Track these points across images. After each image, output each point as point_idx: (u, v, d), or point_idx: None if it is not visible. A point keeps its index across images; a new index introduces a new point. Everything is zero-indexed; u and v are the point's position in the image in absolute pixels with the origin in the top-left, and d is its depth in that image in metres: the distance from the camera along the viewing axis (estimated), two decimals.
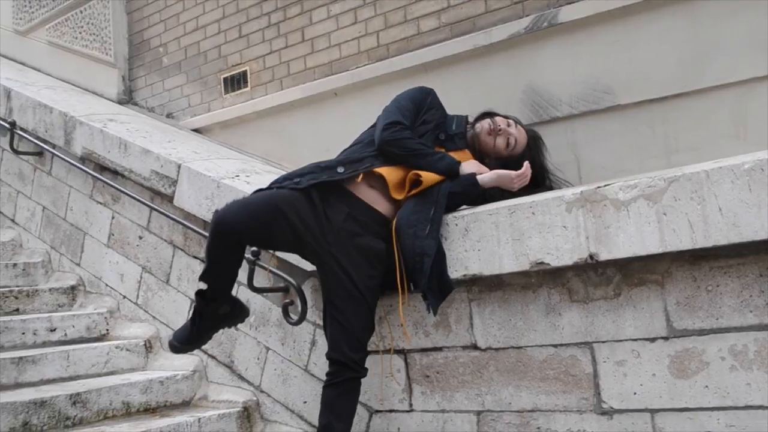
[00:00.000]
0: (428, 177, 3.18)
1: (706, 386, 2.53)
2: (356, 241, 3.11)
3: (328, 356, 3.10)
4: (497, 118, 3.53)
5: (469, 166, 3.29)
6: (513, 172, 3.22)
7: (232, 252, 3.15)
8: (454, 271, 3.06)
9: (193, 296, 4.18)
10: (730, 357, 2.49)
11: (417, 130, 3.36)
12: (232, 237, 3.09)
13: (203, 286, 3.22)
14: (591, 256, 2.70)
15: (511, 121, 3.54)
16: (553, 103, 3.97)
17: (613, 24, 3.80)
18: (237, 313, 3.39)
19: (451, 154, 3.36)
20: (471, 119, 3.61)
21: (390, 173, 3.22)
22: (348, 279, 3.07)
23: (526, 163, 3.27)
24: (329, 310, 3.12)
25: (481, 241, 2.98)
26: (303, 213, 3.10)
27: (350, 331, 3.06)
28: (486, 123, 3.50)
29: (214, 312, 3.28)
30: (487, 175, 3.23)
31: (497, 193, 3.24)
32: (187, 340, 3.33)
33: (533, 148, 3.56)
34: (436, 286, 3.06)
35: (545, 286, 2.92)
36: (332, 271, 3.10)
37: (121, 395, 3.80)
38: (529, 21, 4.04)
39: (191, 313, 3.33)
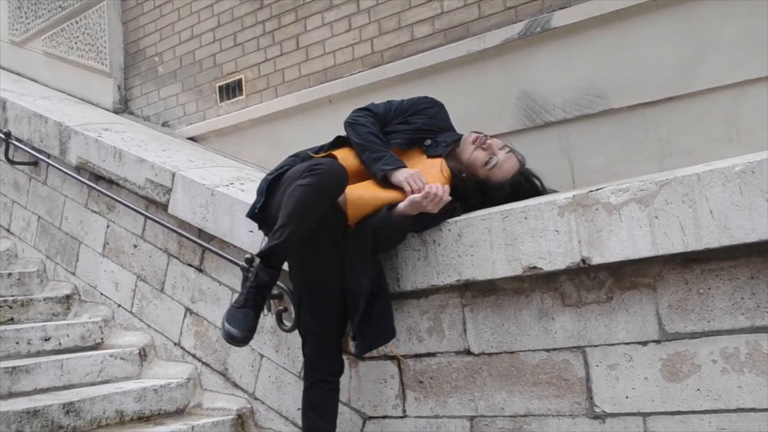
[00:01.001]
0: (366, 192, 3.06)
1: (698, 389, 2.52)
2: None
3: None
4: (493, 139, 3.31)
5: (402, 174, 3.03)
6: (418, 195, 2.92)
7: (324, 211, 2.95)
8: (447, 277, 3.05)
9: (188, 304, 4.19)
10: (721, 360, 2.48)
11: (391, 126, 3.31)
12: (335, 193, 2.95)
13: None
14: (583, 260, 2.69)
15: (506, 147, 3.28)
16: (547, 108, 3.97)
17: (606, 28, 3.80)
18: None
19: (419, 161, 3.20)
20: None
21: (346, 157, 3.16)
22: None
23: (437, 186, 2.93)
24: None
25: (474, 246, 2.97)
26: None
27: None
28: (476, 134, 3.29)
29: (271, 286, 3.07)
30: (400, 205, 2.96)
31: (477, 204, 3.16)
32: (251, 324, 2.98)
33: (514, 186, 3.21)
34: (369, 330, 3.04)
35: (538, 290, 2.91)
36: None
37: (115, 404, 3.78)
38: (522, 26, 4.04)
39: (246, 295, 3.01)
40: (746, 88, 3.43)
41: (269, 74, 5.43)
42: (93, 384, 4.14)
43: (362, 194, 3.04)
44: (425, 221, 3.05)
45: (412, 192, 2.97)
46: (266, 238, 3.38)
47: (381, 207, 3.01)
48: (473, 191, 3.19)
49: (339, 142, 3.32)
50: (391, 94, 4.61)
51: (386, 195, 3.03)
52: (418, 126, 3.34)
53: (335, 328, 3.16)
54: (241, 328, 2.94)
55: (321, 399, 3.14)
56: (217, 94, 5.82)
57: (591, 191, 2.71)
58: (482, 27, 4.26)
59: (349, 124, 3.27)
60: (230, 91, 5.71)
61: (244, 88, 5.61)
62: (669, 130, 3.60)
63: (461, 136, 3.36)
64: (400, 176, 3.04)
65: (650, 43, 3.69)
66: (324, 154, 3.22)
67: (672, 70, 3.63)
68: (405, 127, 3.31)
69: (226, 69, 5.74)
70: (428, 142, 3.31)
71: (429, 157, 3.24)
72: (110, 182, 4.83)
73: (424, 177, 3.05)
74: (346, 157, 3.17)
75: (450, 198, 2.99)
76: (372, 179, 3.13)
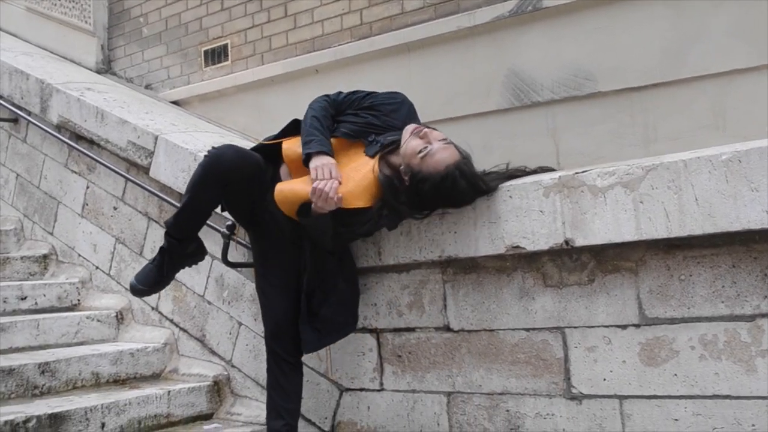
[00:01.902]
0: (288, 186, 3.00)
1: (675, 374, 2.55)
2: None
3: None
4: (433, 130, 2.97)
5: (317, 161, 2.89)
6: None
7: (217, 191, 3.07)
8: (429, 252, 3.06)
9: None
10: (699, 346, 2.51)
11: (344, 115, 3.13)
12: (223, 176, 3.01)
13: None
14: (567, 242, 2.71)
15: (447, 140, 2.93)
16: (535, 88, 3.97)
17: (597, 10, 3.81)
18: (200, 251, 3.35)
19: (356, 157, 3.02)
20: None
21: (292, 145, 3.12)
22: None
23: (325, 181, 2.80)
24: None
25: (457, 223, 2.97)
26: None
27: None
28: (415, 125, 2.99)
29: (182, 251, 3.24)
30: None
31: (411, 207, 2.98)
32: (154, 282, 3.25)
33: (445, 178, 2.84)
34: (308, 330, 3.12)
35: (520, 270, 2.92)
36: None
37: (91, 366, 3.77)
38: (514, 4, 4.03)
39: (157, 254, 3.26)
40: (734, 77, 3.46)
41: (256, 41, 5.38)
42: (69, 345, 4.12)
43: (283, 188, 2.98)
44: (348, 228, 2.98)
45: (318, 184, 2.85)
46: None
47: (303, 201, 2.90)
48: (408, 190, 2.91)
49: (296, 126, 3.21)
50: (379, 67, 4.61)
51: (305, 189, 2.88)
52: (367, 120, 3.09)
53: (286, 312, 3.16)
54: (139, 280, 3.24)
55: (281, 377, 3.18)
56: (202, 58, 5.76)
57: (577, 173, 2.71)
58: (473, 3, 4.24)
59: (309, 105, 3.18)
60: (215, 56, 5.65)
61: (229, 53, 5.55)
62: (655, 115, 3.62)
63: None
64: (313, 163, 2.89)
65: (640, 28, 3.69)
66: (273, 141, 3.20)
67: (660, 56, 3.63)
68: (355, 119, 3.10)
69: (212, 33, 5.68)
70: (371, 137, 3.06)
71: (366, 154, 3.02)
72: (91, 143, 4.78)
73: (354, 175, 2.93)
74: (292, 144, 3.10)
75: (340, 196, 2.82)
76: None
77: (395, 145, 2.97)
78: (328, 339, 3.21)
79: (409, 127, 2.96)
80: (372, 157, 2.98)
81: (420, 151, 2.85)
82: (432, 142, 2.87)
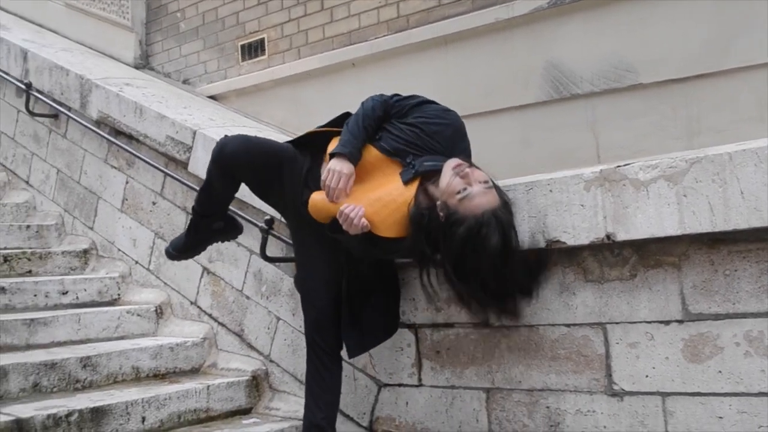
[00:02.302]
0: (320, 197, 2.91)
1: (720, 371, 2.50)
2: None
3: None
4: (476, 169, 2.76)
5: (333, 164, 2.83)
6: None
7: (226, 181, 3.16)
8: None
9: (205, 264, 4.20)
10: (745, 343, 2.46)
11: (390, 122, 2.96)
12: (227, 167, 3.08)
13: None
14: (608, 236, 2.66)
15: (489, 183, 2.74)
16: (574, 80, 3.93)
17: (637, 1, 3.74)
18: (230, 229, 3.46)
19: (392, 179, 2.86)
20: None
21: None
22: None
23: (351, 207, 2.75)
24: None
25: None
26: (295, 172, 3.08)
27: None
28: (459, 161, 2.75)
29: (207, 226, 3.35)
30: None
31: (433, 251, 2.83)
32: (182, 248, 3.43)
33: (481, 226, 2.64)
34: (350, 335, 3.11)
35: (560, 265, 2.88)
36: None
37: (131, 360, 3.80)
38: None
39: (188, 223, 3.45)
40: None
41: (292, 35, 5.38)
42: (109, 339, 4.16)
43: (316, 199, 2.92)
44: (380, 250, 2.90)
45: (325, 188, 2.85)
46: None
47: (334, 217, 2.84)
48: (440, 229, 2.72)
49: (345, 118, 3.11)
50: (415, 60, 4.59)
51: (336, 205, 2.82)
52: (408, 139, 2.88)
53: (327, 303, 3.14)
54: (171, 244, 3.49)
55: (321, 370, 3.16)
56: (239, 53, 5.78)
57: (619, 166, 2.67)
58: None
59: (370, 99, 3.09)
60: (252, 50, 5.67)
61: (266, 47, 5.56)
62: (698, 107, 3.55)
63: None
64: (331, 164, 2.85)
65: (682, 19, 3.63)
66: (316, 131, 3.17)
67: (703, 47, 3.57)
68: (398, 133, 2.90)
69: (249, 28, 5.70)
70: (409, 158, 2.85)
71: (402, 179, 2.84)
72: (130, 138, 4.82)
73: (389, 202, 2.81)
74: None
75: (367, 225, 2.75)
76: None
77: (434, 175, 2.79)
78: (371, 343, 3.20)
79: (451, 163, 2.74)
80: (406, 183, 2.81)
81: (459, 192, 2.67)
82: (473, 183, 2.68)
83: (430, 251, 2.79)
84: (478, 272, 2.71)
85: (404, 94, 3.03)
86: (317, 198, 2.92)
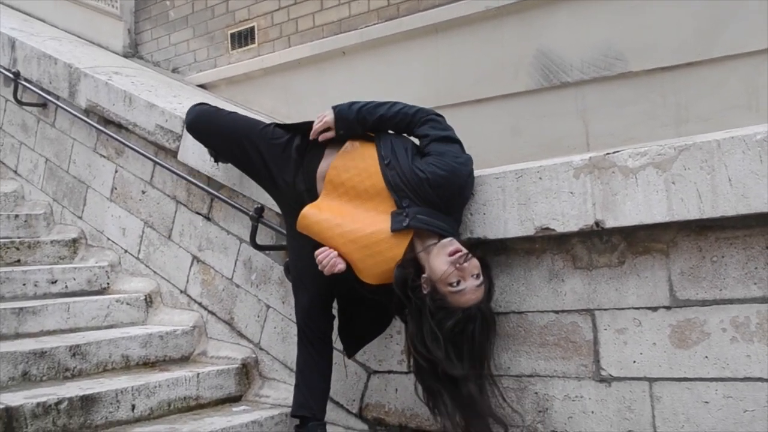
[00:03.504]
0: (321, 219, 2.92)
1: (706, 357, 2.52)
2: None
3: None
4: (473, 261, 2.68)
5: (330, 118, 2.98)
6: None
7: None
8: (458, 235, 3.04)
9: (195, 253, 4.20)
10: (731, 328, 2.48)
11: (406, 152, 2.88)
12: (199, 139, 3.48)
13: None
14: (597, 223, 2.67)
15: (480, 278, 2.69)
16: (564, 68, 3.93)
17: None
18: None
19: (383, 215, 2.81)
20: None
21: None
22: None
23: (328, 253, 2.80)
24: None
25: (486, 204, 2.95)
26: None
27: None
28: (457, 249, 2.66)
29: None
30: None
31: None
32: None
33: (468, 319, 2.64)
34: (350, 330, 3.16)
35: (549, 252, 2.89)
36: None
37: (121, 348, 3.80)
38: None
39: None
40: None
41: (282, 23, 5.37)
42: (99, 328, 4.15)
43: (307, 218, 2.92)
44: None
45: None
46: None
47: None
48: (424, 304, 2.68)
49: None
50: (406, 49, 4.58)
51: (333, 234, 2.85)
52: (412, 182, 2.78)
53: (318, 289, 3.16)
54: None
55: (312, 356, 3.19)
56: (229, 41, 5.76)
57: (608, 154, 2.68)
58: None
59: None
60: (242, 38, 5.65)
61: (256, 36, 5.55)
62: (687, 95, 3.56)
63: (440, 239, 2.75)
64: (328, 116, 3.00)
65: (671, 7, 3.63)
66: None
67: (693, 35, 3.58)
68: (405, 170, 2.80)
69: (239, 16, 5.68)
70: (406, 203, 2.77)
71: (391, 226, 2.76)
72: (119, 127, 4.80)
73: (375, 254, 2.78)
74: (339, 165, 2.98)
75: (341, 268, 2.79)
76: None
77: (425, 234, 2.75)
78: (368, 339, 3.24)
79: (448, 247, 2.67)
80: (394, 231, 2.75)
81: (452, 284, 2.63)
82: (467, 278, 2.64)
83: (407, 309, 2.77)
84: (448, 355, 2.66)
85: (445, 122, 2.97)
86: (309, 215, 2.91)
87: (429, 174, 2.75)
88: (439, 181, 2.75)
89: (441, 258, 2.66)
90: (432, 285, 2.68)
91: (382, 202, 2.83)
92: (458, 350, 2.64)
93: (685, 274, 2.58)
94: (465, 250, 2.67)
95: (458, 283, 2.63)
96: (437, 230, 2.74)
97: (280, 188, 3.16)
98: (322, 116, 3.00)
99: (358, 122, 2.95)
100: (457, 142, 2.89)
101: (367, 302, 3.04)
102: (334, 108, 2.99)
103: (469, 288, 2.65)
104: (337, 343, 3.35)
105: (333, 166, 2.94)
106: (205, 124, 3.48)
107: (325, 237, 2.86)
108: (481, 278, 2.70)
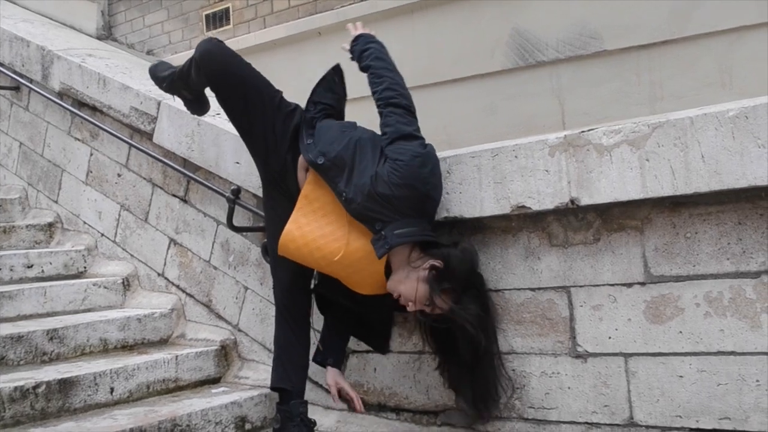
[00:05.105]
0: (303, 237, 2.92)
1: (680, 332, 2.55)
2: None
3: None
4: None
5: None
6: None
7: (203, 83, 3.26)
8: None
9: (172, 235, 4.19)
10: (705, 303, 2.51)
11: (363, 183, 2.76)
12: (203, 73, 3.12)
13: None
14: (572, 201, 2.69)
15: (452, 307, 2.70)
16: (540, 47, 3.94)
17: None
18: (198, 103, 3.52)
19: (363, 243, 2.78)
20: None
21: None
22: None
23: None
24: None
25: (462, 183, 2.96)
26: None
27: None
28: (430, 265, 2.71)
29: (178, 88, 3.44)
30: None
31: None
32: (162, 79, 3.50)
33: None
34: (373, 334, 3.25)
35: (525, 230, 2.91)
36: None
37: (99, 332, 3.78)
38: None
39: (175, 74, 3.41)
40: (741, 34, 3.41)
41: (258, 4, 5.33)
42: (76, 312, 4.14)
43: (289, 238, 2.90)
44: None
45: None
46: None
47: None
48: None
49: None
50: (383, 29, 4.53)
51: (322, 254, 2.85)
52: (375, 209, 2.72)
53: (296, 269, 3.11)
54: (156, 68, 3.57)
55: (290, 336, 3.19)
56: (204, 22, 5.71)
57: (583, 132, 2.70)
58: None
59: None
60: (217, 19, 5.61)
61: (231, 17, 5.51)
62: (661, 74, 3.58)
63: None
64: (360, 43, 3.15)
65: None
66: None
67: (667, 14, 3.59)
68: (366, 202, 2.72)
69: None
70: (378, 226, 2.71)
71: (378, 254, 2.71)
72: (94, 109, 4.76)
73: (360, 270, 2.84)
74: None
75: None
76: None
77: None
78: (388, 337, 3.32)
79: (426, 274, 2.70)
80: (380, 256, 2.70)
81: (427, 304, 2.72)
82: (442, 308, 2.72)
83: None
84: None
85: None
86: (293, 235, 2.89)
87: (390, 189, 2.67)
88: (402, 192, 2.67)
89: (412, 284, 2.73)
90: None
91: (354, 224, 2.82)
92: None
93: (660, 251, 2.60)
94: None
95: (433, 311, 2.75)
96: (416, 239, 2.75)
97: (271, 154, 3.09)
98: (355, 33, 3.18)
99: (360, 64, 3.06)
100: (418, 137, 2.81)
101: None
102: (361, 42, 3.11)
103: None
104: (315, 322, 3.36)
105: (303, 195, 2.92)
106: (223, 62, 3.08)
107: (308, 262, 2.93)
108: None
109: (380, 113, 2.87)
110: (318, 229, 2.85)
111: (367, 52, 3.02)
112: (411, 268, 2.74)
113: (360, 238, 2.79)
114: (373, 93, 2.92)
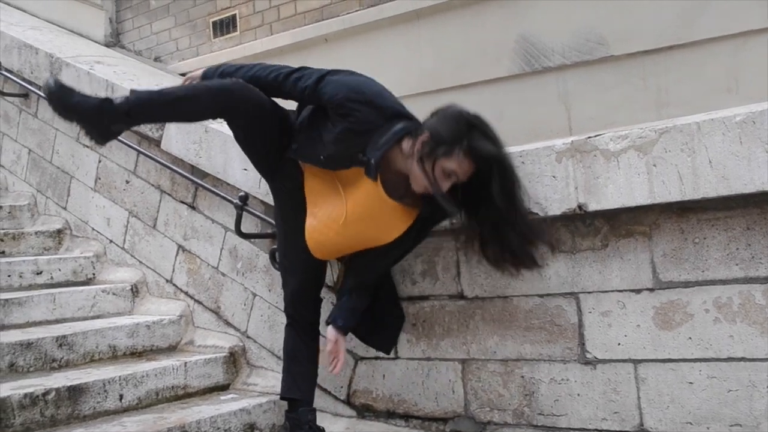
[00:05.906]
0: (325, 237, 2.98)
1: (690, 338, 2.55)
2: None
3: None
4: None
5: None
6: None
7: (214, 115, 3.09)
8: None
9: (180, 242, 4.20)
10: (714, 309, 2.51)
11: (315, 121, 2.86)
12: (227, 111, 2.92)
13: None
14: (579, 207, 2.69)
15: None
16: (546, 53, 3.94)
17: None
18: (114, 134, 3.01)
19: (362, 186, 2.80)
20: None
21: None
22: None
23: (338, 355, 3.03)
24: None
25: None
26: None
27: None
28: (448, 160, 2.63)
29: (108, 124, 2.88)
30: None
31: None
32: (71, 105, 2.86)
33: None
34: (377, 328, 3.22)
35: None
36: None
37: (108, 339, 3.79)
38: None
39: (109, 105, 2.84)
40: (748, 39, 3.41)
41: (264, 10, 5.35)
42: (85, 318, 4.14)
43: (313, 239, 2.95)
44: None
45: None
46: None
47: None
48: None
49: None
50: (388, 35, 4.57)
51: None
52: (346, 149, 2.76)
53: (306, 276, 3.16)
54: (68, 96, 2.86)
55: (299, 343, 3.20)
56: (211, 29, 5.74)
57: (590, 137, 2.70)
58: None
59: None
60: (224, 26, 5.63)
61: (238, 24, 5.53)
62: (668, 79, 3.58)
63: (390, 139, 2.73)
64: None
65: None
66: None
67: (673, 19, 3.59)
68: (333, 139, 2.76)
69: (221, 4, 5.65)
70: (361, 157, 2.74)
71: (370, 177, 2.75)
72: None
73: (375, 215, 2.82)
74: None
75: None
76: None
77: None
78: (397, 332, 3.28)
79: (418, 155, 2.65)
80: (375, 179, 2.74)
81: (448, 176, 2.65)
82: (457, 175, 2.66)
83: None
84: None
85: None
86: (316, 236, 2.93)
87: (345, 121, 2.69)
88: (359, 115, 2.68)
89: (416, 169, 2.66)
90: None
91: (354, 173, 2.82)
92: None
93: (668, 256, 2.60)
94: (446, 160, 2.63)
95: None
96: (392, 138, 2.71)
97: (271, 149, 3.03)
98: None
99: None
100: (328, 72, 2.81)
101: (383, 294, 3.17)
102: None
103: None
104: (323, 329, 3.36)
105: (307, 192, 2.97)
106: (241, 99, 2.88)
107: (336, 244, 2.92)
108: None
109: (279, 87, 2.90)
110: (325, 209, 2.90)
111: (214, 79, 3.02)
112: (410, 161, 2.69)
113: (353, 192, 2.82)
114: (258, 80, 2.90)
